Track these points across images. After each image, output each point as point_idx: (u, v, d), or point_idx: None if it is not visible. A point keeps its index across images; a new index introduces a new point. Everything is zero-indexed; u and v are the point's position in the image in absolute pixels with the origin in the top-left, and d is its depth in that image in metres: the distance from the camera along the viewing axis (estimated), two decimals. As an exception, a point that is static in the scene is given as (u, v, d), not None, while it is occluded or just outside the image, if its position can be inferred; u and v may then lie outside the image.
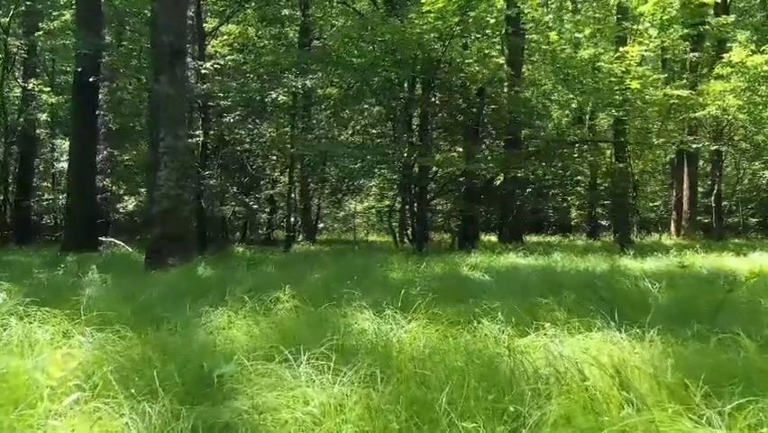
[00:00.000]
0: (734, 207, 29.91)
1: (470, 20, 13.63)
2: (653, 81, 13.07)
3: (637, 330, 4.22)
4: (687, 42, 20.88)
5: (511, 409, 2.63)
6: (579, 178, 23.12)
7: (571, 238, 25.16)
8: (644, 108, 13.47)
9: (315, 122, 20.46)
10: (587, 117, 21.93)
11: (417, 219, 16.70)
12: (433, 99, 16.92)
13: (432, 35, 14.28)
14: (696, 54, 17.13)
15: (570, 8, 20.34)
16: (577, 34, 13.47)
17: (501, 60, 15.10)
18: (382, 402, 2.61)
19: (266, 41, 19.92)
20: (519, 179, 18.34)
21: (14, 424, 2.48)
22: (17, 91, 23.03)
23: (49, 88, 21.06)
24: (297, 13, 20.04)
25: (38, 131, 23.20)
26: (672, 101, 13.11)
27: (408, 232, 20.72)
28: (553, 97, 17.53)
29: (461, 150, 17.15)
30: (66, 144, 20.69)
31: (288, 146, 17.32)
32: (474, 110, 17.44)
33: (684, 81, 14.28)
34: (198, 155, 16.92)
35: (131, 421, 2.44)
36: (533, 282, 7.02)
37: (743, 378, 3.06)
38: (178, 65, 8.34)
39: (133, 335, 3.57)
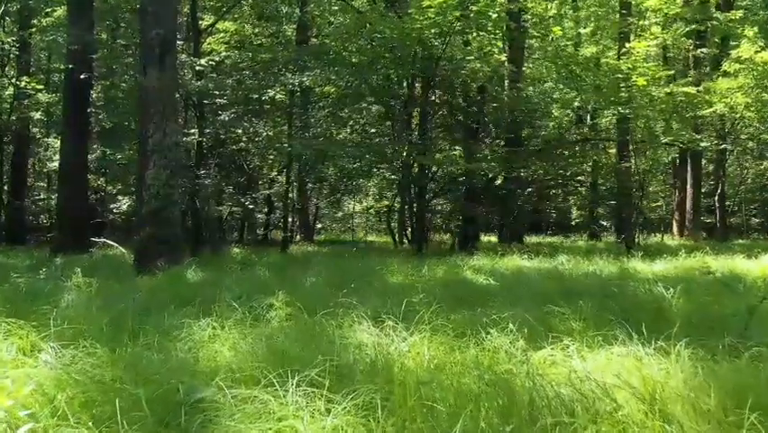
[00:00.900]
0: (735, 208, 29.56)
1: (472, 14, 13.25)
2: (660, 78, 12.69)
3: (661, 343, 3.88)
4: (690, 41, 20.55)
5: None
6: (580, 178, 22.77)
7: (572, 239, 24.82)
8: (652, 106, 13.11)
9: (312, 121, 20.09)
10: (588, 116, 21.57)
11: (417, 220, 16.33)
12: (432, 98, 16.55)
13: (432, 31, 13.91)
14: (704, 50, 16.76)
15: (570, 4, 19.96)
16: (582, 30, 13.07)
17: (503, 57, 14.72)
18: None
19: (263, 39, 19.54)
20: (520, 179, 17.98)
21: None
22: (11, 89, 22.62)
23: (42, 86, 20.65)
24: (296, 11, 19.67)
25: (33, 130, 22.80)
26: (679, 98, 12.75)
27: (408, 232, 20.38)
28: (555, 95, 17.14)
29: (459, 149, 16.78)
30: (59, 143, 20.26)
31: (286, 145, 16.93)
32: (474, 109, 17.08)
33: (690, 78, 13.92)
34: (194, 154, 16.53)
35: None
36: (540, 287, 6.66)
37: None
38: (168, 57, 7.96)
39: (104, 351, 3.19)
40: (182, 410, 2.46)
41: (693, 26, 15.58)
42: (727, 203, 26.31)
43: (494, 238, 21.79)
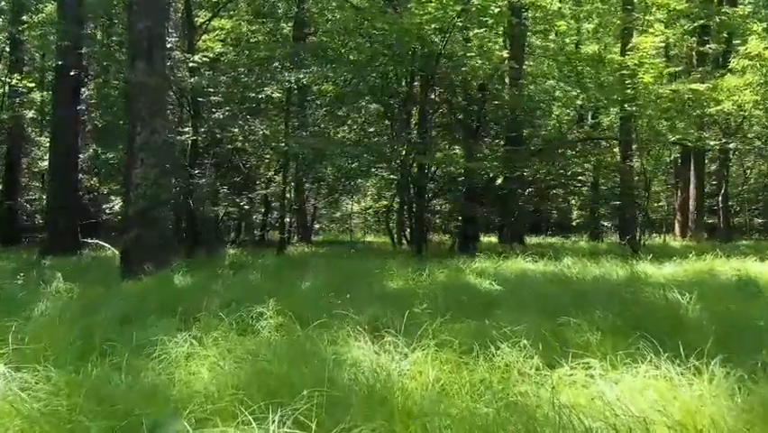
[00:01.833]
0: (737, 208, 29.22)
1: (473, 9, 12.86)
2: (665, 75, 12.32)
3: (683, 358, 3.52)
4: (693, 39, 20.19)
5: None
6: (581, 177, 22.41)
7: (574, 240, 24.47)
8: (658, 104, 12.74)
9: (310, 119, 19.71)
10: (589, 115, 21.22)
11: (416, 220, 15.95)
12: (432, 96, 16.16)
13: (432, 26, 13.52)
14: (712, 46, 16.40)
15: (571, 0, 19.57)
16: (587, 25, 12.68)
17: (505, 54, 14.34)
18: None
19: (260, 37, 19.15)
20: (521, 179, 17.60)
21: None
22: (3, 88, 22.20)
23: (33, 84, 20.24)
24: (293, 8, 19.27)
25: (29, 129, 22.39)
26: (687, 96, 12.38)
27: (407, 233, 19.99)
28: (556, 94, 16.77)
29: (459, 149, 16.40)
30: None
31: (282, 144, 16.54)
32: (475, 107, 16.70)
33: (698, 75, 13.56)
34: (188, 153, 16.14)
35: None
36: (548, 293, 6.28)
37: None
38: (156, 51, 7.57)
39: (64, 373, 2.81)
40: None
41: (701, 22, 15.19)
42: (729, 203, 25.95)
43: (494, 239, 21.43)
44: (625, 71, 12.11)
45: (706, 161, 23.90)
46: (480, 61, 15.08)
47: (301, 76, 15.36)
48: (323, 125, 19.89)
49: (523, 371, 3.35)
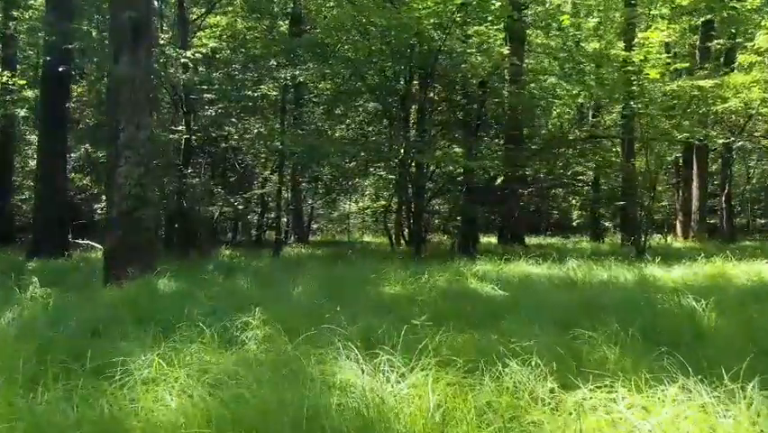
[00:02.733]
0: (738, 208, 28.87)
1: (474, 1, 12.46)
2: (672, 71, 11.93)
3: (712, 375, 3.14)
4: (696, 36, 19.82)
5: None
6: (582, 177, 22.04)
7: (574, 240, 24.11)
8: (663, 101, 12.37)
9: (306, 118, 19.35)
10: (589, 113, 20.82)
11: (414, 220, 15.57)
12: (431, 95, 15.77)
13: (431, 21, 13.14)
14: (720, 41, 16.02)
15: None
16: (591, 19, 12.28)
17: (505, 50, 13.96)
18: None
19: (256, 34, 18.76)
20: (522, 178, 17.23)
21: None
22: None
23: (24, 81, 19.82)
24: (290, 4, 18.89)
25: (23, 127, 21.97)
26: (693, 93, 12.01)
27: (405, 233, 19.61)
28: (558, 92, 16.38)
29: (458, 148, 16.01)
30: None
31: (278, 143, 16.15)
32: (474, 106, 16.33)
33: (705, 72, 13.18)
34: (181, 152, 15.76)
35: None
36: (556, 300, 5.90)
37: None
38: (141, 43, 7.17)
39: (6, 403, 2.42)
40: None
41: (708, 16, 14.80)
42: (731, 203, 25.57)
43: (493, 239, 21.07)
44: (630, 67, 11.74)
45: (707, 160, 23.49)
46: (480, 58, 14.71)
47: (297, 73, 14.98)
48: (320, 124, 19.53)
49: (535, 393, 2.97)
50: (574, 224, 30.47)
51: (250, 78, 16.13)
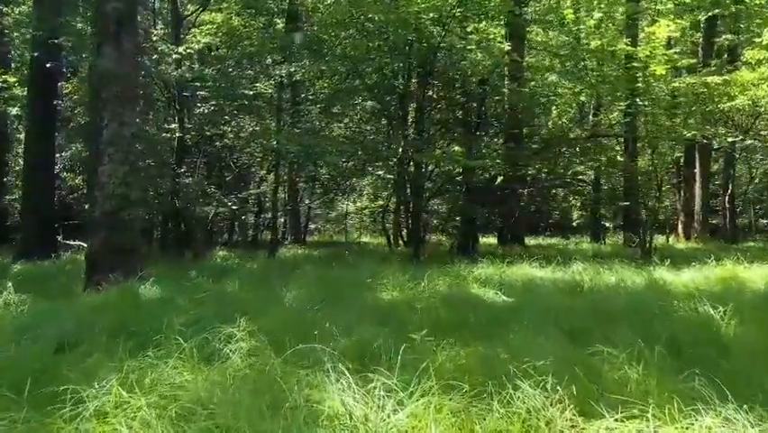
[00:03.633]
0: (739, 208, 28.52)
1: (474, -6, 12.11)
2: (677, 67, 11.57)
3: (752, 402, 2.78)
4: (699, 34, 19.48)
5: None
6: (583, 177, 21.69)
7: (574, 240, 23.79)
8: (669, 99, 12.01)
9: (303, 116, 18.97)
10: (591, 112, 20.46)
11: (413, 221, 15.20)
12: (430, 93, 15.40)
13: (430, 15, 12.78)
14: (729, 37, 15.65)
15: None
16: (597, 12, 11.88)
17: (507, 47, 13.59)
18: None
19: (252, 32, 18.38)
20: (523, 178, 16.86)
21: None
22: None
23: (14, 79, 19.41)
24: (286, 2, 18.50)
25: (15, 126, 21.53)
26: (700, 90, 11.65)
27: (403, 233, 19.24)
28: (559, 90, 16.02)
29: (458, 147, 15.65)
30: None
31: (273, 142, 15.76)
32: (474, 104, 15.96)
33: (712, 68, 12.83)
34: (175, 151, 15.37)
35: None
36: (564, 306, 5.53)
37: None
38: (126, 35, 6.78)
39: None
40: None
41: (717, 11, 14.43)
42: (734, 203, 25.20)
43: (493, 240, 20.72)
44: (636, 64, 11.37)
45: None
46: (480, 55, 14.34)
47: (293, 69, 14.60)
48: (317, 123, 19.17)
49: (553, 423, 2.60)
50: (574, 224, 30.11)
51: (245, 75, 15.76)
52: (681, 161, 23.46)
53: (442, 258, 13.19)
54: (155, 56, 14.28)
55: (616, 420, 2.51)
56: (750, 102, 13.23)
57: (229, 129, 16.15)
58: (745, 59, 13.26)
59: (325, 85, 18.61)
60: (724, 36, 16.19)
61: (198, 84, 14.22)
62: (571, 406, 2.71)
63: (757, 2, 13.55)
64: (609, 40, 13.08)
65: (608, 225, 26.08)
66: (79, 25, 15.40)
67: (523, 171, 15.20)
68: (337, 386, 2.76)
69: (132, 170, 6.88)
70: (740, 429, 2.39)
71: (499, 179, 15.91)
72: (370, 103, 18.17)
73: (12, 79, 19.17)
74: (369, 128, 19.31)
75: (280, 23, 20.03)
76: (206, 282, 7.29)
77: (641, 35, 12.25)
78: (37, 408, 2.59)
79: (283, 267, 11.02)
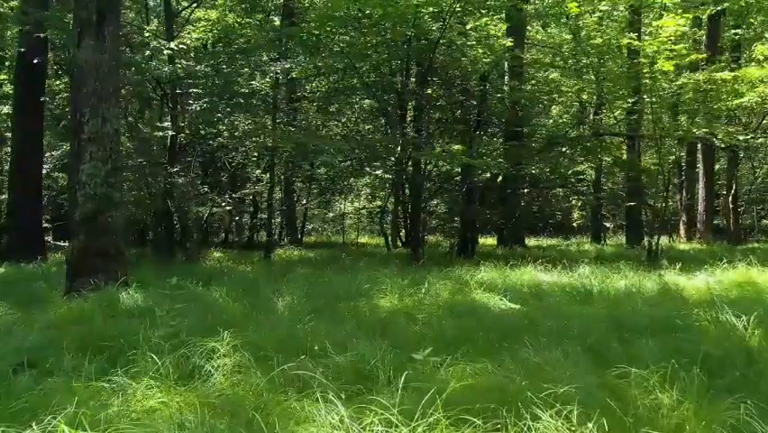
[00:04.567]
0: (741, 209, 28.16)
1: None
2: (683, 64, 11.18)
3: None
4: (702, 31, 19.12)
5: None
6: (584, 177, 21.32)
7: (575, 241, 23.46)
8: (678, 95, 11.64)
9: (300, 115, 18.59)
10: (593, 109, 20.09)
11: (412, 222, 14.79)
12: (429, 91, 15.00)
13: (430, 9, 12.38)
14: (738, 31, 15.27)
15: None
16: (603, 5, 11.49)
17: (509, 42, 13.19)
18: None
19: (247, 28, 17.98)
20: (524, 177, 16.48)
21: None
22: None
23: (5, 77, 19.01)
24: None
25: (4, 124, 21.09)
26: (710, 87, 11.27)
27: (402, 234, 18.84)
28: (561, 88, 15.64)
29: (458, 146, 15.27)
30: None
31: (269, 139, 15.35)
32: (473, 102, 15.57)
33: (723, 64, 12.46)
34: (168, 150, 14.94)
35: None
36: (576, 314, 5.14)
37: None
38: (107, 25, 6.35)
39: None
40: None
41: (725, 4, 14.05)
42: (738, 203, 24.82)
43: (492, 240, 20.37)
44: (643, 59, 10.98)
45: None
46: (481, 50, 13.95)
47: (288, 66, 14.20)
48: (313, 121, 18.79)
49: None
50: (574, 225, 29.76)
51: (240, 72, 15.35)
52: (683, 160, 23.12)
53: (441, 260, 12.81)
54: (147, 52, 13.87)
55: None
56: (759, 99, 12.87)
57: (224, 128, 15.75)
58: (754, 56, 12.88)
59: (322, 83, 18.23)
60: (733, 31, 15.81)
61: (191, 81, 13.80)
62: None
63: (764, -3, 13.20)
64: (613, 36, 12.71)
65: (607, 225, 25.72)
66: (68, 18, 14.96)
67: (525, 171, 14.80)
68: (329, 419, 2.36)
69: (114, 169, 6.47)
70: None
71: (499, 178, 15.53)
72: (367, 101, 17.78)
73: (2, 77, 18.79)
74: (367, 127, 18.94)
75: (276, 21, 19.66)
76: (194, 288, 6.88)
77: (646, 31, 11.85)
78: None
79: (277, 270, 10.63)
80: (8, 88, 19.17)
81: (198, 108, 13.10)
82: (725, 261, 9.00)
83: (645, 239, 12.69)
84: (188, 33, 16.27)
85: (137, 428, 2.38)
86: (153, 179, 14.80)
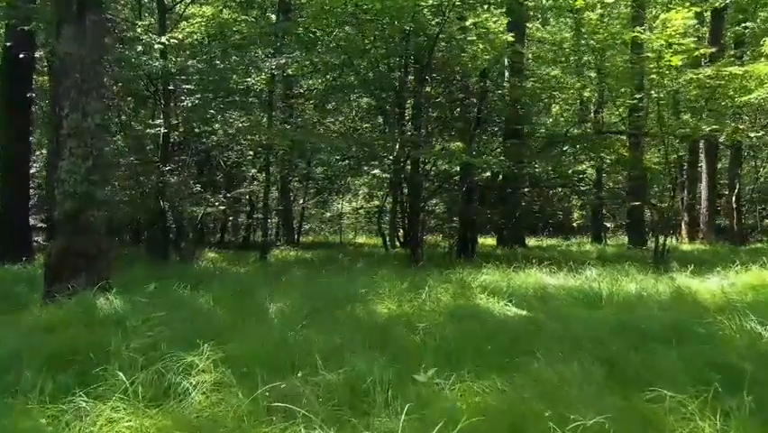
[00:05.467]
0: (742, 209, 27.83)
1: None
2: (694, 58, 10.84)
3: None
4: (705, 28, 18.79)
5: None
6: (584, 176, 20.98)
7: (575, 241, 23.14)
8: (685, 91, 11.32)
9: (297, 113, 18.23)
10: (592, 109, 19.76)
11: (410, 222, 14.44)
12: (428, 89, 14.65)
13: (429, 2, 12.03)
14: (748, 24, 14.94)
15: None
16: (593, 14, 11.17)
17: (510, 38, 12.84)
18: None
19: (242, 23, 17.61)
20: (524, 177, 16.12)
21: None
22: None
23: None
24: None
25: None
26: (719, 83, 10.93)
27: (400, 234, 18.49)
28: (564, 85, 15.29)
29: (458, 144, 14.91)
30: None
31: (264, 137, 14.98)
32: (473, 100, 15.22)
33: (732, 59, 12.13)
34: (160, 147, 14.57)
35: None
36: (587, 322, 4.78)
37: None
38: (89, 13, 5.98)
39: None
40: None
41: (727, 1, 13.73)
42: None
43: (492, 240, 20.02)
44: (650, 54, 10.64)
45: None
46: (481, 46, 13.59)
47: (283, 61, 13.83)
48: (310, 119, 18.43)
49: None
50: (574, 224, 29.41)
51: (234, 68, 14.99)
52: (685, 159, 22.79)
53: (441, 260, 12.47)
54: (139, 47, 13.51)
55: None
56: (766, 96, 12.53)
57: (218, 126, 15.39)
58: (763, 51, 12.55)
59: (319, 80, 17.87)
60: (743, 24, 15.47)
61: (184, 77, 13.44)
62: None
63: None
64: (617, 31, 12.36)
65: (608, 225, 25.39)
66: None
67: (526, 170, 14.45)
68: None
69: (96, 165, 6.10)
70: None
71: (500, 177, 15.18)
72: (365, 99, 17.43)
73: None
74: (365, 125, 18.59)
75: (273, 17, 19.29)
76: (181, 291, 6.52)
77: (650, 26, 11.52)
78: None
79: (272, 271, 10.28)
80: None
81: (190, 105, 12.71)
82: (737, 263, 8.65)
83: (651, 240, 12.33)
84: (183, 30, 15.91)
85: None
86: (146, 178, 14.44)
